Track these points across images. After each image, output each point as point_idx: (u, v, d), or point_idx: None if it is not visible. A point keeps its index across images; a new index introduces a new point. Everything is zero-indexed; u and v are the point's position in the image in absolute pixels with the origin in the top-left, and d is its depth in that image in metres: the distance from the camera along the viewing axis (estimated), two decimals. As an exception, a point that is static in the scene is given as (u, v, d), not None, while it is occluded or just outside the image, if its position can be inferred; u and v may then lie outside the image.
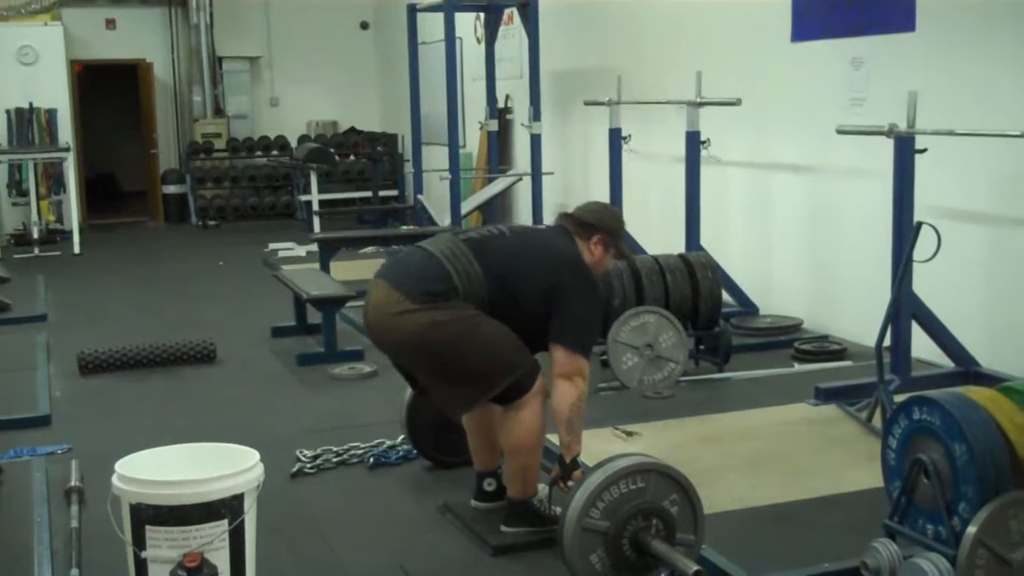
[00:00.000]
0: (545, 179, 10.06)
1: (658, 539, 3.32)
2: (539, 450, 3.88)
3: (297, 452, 4.91)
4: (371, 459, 4.82)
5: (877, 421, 4.99)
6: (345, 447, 4.96)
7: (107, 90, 16.33)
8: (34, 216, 12.24)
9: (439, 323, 3.66)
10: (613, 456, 3.44)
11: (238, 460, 3.23)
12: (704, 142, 7.24)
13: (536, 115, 9.99)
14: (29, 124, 12.72)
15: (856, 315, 6.72)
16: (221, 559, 3.12)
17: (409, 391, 4.47)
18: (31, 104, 12.71)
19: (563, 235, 3.97)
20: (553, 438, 4.52)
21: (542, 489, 3.98)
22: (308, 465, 4.80)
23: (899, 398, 4.21)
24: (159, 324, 7.93)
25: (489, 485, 4.12)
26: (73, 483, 4.40)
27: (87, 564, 3.74)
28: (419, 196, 11.60)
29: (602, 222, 4.01)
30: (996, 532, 3.07)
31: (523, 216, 11.04)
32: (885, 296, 5.33)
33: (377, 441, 4.99)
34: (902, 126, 5.22)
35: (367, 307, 3.90)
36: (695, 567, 3.16)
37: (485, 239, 3.90)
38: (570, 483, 3.69)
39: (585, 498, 3.31)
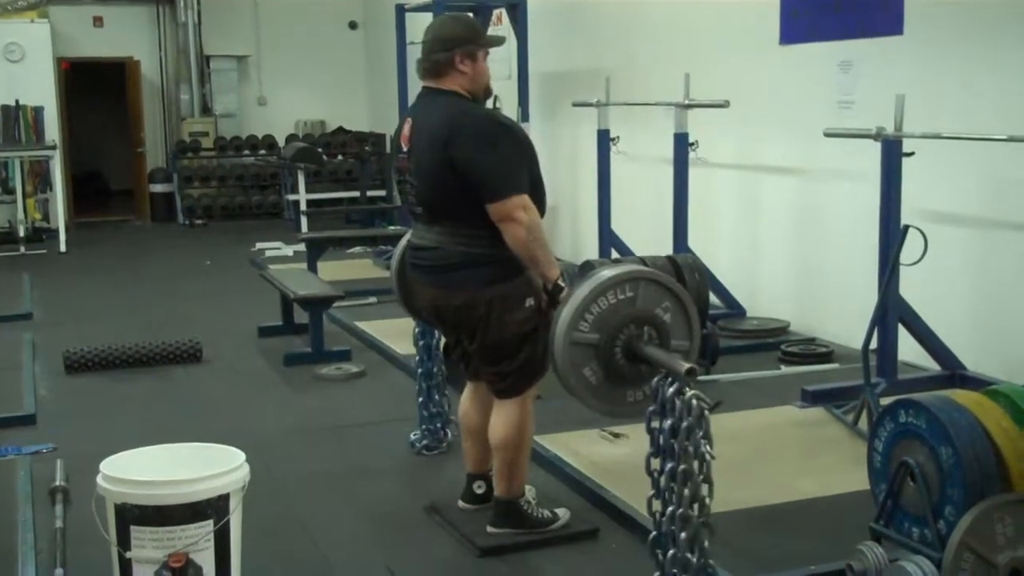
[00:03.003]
0: (533, 180, 10.05)
1: (651, 344, 3.27)
2: (525, 449, 3.88)
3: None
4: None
5: (863, 424, 5.00)
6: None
7: (94, 88, 16.26)
8: (20, 214, 12.19)
9: (481, 302, 3.67)
10: (600, 268, 3.35)
11: (224, 460, 3.23)
12: (692, 144, 7.24)
13: (524, 116, 9.99)
14: (15, 122, 12.67)
15: (843, 318, 6.73)
16: (206, 559, 3.11)
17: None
18: (17, 102, 12.66)
19: (433, 98, 3.77)
20: (545, 440, 4.53)
21: (530, 491, 3.98)
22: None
23: (885, 401, 4.22)
24: (145, 323, 7.90)
25: (479, 488, 4.12)
26: (58, 483, 4.38)
27: (72, 564, 3.73)
28: (407, 196, 11.56)
29: (451, 39, 3.77)
30: (982, 535, 3.07)
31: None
32: (872, 299, 5.34)
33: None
34: (890, 129, 5.23)
35: (414, 295, 3.97)
36: (687, 365, 3.06)
37: (418, 197, 3.77)
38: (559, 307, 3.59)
39: (573, 311, 3.23)
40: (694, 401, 3.02)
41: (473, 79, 3.77)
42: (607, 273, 3.31)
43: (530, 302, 3.69)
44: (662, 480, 3.10)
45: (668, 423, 3.06)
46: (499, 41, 4.02)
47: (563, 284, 3.63)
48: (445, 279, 3.73)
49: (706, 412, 3.04)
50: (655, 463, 3.14)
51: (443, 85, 3.77)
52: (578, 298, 3.27)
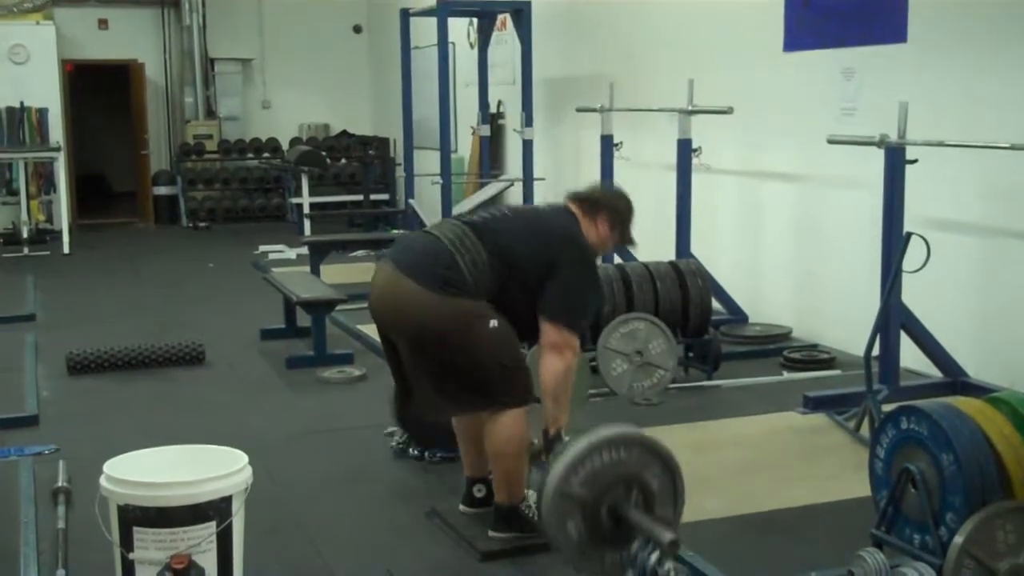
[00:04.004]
0: (536, 185, 10.07)
1: (636, 509, 3.29)
2: (523, 455, 3.87)
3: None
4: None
5: (865, 430, 5.00)
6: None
7: (98, 90, 16.28)
8: (24, 216, 12.21)
9: (449, 314, 3.64)
10: (598, 426, 3.39)
11: (226, 462, 3.23)
12: (695, 150, 7.26)
13: (528, 121, 10.00)
14: (20, 123, 12.70)
15: (845, 324, 6.73)
16: (208, 561, 3.12)
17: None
18: (22, 103, 12.69)
19: (565, 214, 3.95)
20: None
21: (531, 495, 3.98)
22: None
23: (887, 408, 4.22)
24: (148, 325, 7.91)
25: (479, 491, 4.12)
26: (60, 484, 4.38)
27: (74, 565, 3.73)
28: (410, 200, 11.60)
29: (611, 202, 4.02)
30: (983, 542, 3.08)
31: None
32: (874, 306, 5.35)
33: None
34: (893, 137, 5.24)
35: (373, 289, 3.88)
36: (670, 535, 3.08)
37: (487, 221, 3.88)
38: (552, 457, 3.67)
39: (567, 463, 3.26)
40: (672, 573, 3.06)
41: (597, 241, 3.97)
42: (604, 432, 3.34)
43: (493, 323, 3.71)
44: None
45: None
46: (634, 243, 4.28)
47: (564, 437, 3.72)
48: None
49: None
50: None
51: (581, 212, 3.95)
52: (575, 451, 3.30)
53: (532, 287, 3.74)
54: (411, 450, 4.89)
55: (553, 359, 3.72)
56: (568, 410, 3.80)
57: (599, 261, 4.70)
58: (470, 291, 3.67)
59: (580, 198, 4.00)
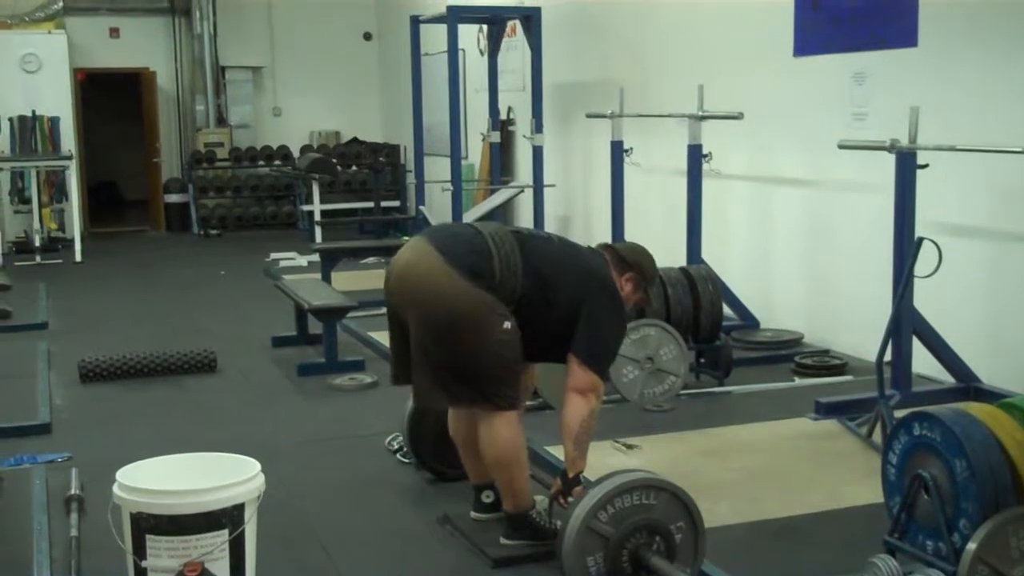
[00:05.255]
0: (547, 191, 10.08)
1: (660, 556, 3.32)
2: (522, 461, 3.85)
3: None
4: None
5: (877, 436, 4.99)
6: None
7: (110, 99, 16.36)
8: (36, 224, 12.24)
9: (468, 302, 3.64)
10: (631, 468, 3.44)
11: (239, 470, 3.24)
12: (706, 155, 7.25)
13: (538, 127, 10.00)
14: (32, 132, 12.74)
15: (857, 330, 6.72)
16: (221, 568, 3.13)
17: (411, 402, 4.47)
18: (34, 112, 12.73)
19: (602, 259, 4.01)
20: (556, 451, 4.54)
21: (540, 501, 3.98)
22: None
23: (899, 413, 4.21)
24: (160, 333, 7.93)
25: (487, 497, 4.12)
26: (73, 491, 4.40)
27: (87, 573, 3.74)
28: (421, 207, 11.61)
29: (639, 263, 4.07)
30: (996, 548, 3.07)
31: (524, 228, 11.03)
32: (886, 311, 5.34)
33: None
34: (904, 141, 5.23)
35: (397, 262, 3.86)
36: None
37: (532, 237, 3.93)
38: (570, 499, 3.69)
39: (597, 499, 3.31)
40: None
41: (623, 296, 4.01)
42: (638, 475, 3.42)
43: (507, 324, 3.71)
44: None
45: None
46: (652, 305, 4.39)
47: (582, 481, 3.76)
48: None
49: None
50: None
51: (611, 265, 4.01)
52: (606, 487, 3.35)
53: (556, 314, 3.75)
54: (399, 456, 4.91)
55: (579, 402, 3.73)
56: (586, 455, 3.81)
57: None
58: (495, 288, 3.68)
59: (613, 253, 4.06)
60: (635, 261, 4.07)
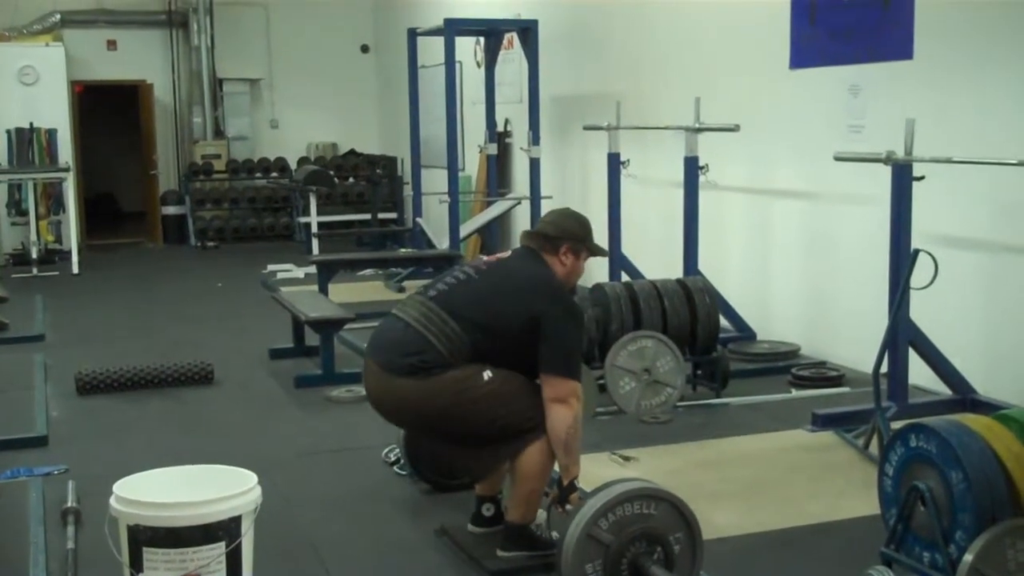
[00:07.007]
0: (544, 203, 10.08)
1: (657, 565, 3.32)
2: (548, 476, 3.89)
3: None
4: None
5: (874, 448, 4.99)
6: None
7: (107, 111, 16.38)
8: (33, 236, 12.24)
9: (441, 391, 3.70)
10: (632, 478, 3.45)
11: (236, 482, 3.24)
12: (703, 167, 7.27)
13: (535, 139, 10.02)
14: (29, 144, 12.73)
15: (853, 341, 6.73)
16: (218, 581, 3.12)
17: None
18: (31, 124, 12.73)
19: (531, 258, 3.94)
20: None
21: (540, 515, 3.98)
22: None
23: (896, 425, 4.22)
24: (157, 345, 7.93)
25: (488, 510, 4.12)
26: (70, 504, 4.39)
27: (83, 586, 3.74)
28: (418, 219, 11.62)
29: (566, 230, 3.97)
30: (993, 560, 3.07)
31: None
32: (882, 323, 5.35)
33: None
34: (900, 153, 5.24)
35: (367, 390, 4.01)
36: None
37: (453, 289, 3.88)
38: (568, 506, 3.70)
39: (599, 506, 3.32)
40: None
41: (568, 273, 3.97)
42: (639, 484, 3.43)
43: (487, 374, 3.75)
44: None
45: None
46: (604, 253, 4.22)
47: (578, 486, 3.76)
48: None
49: None
50: None
51: (543, 252, 3.95)
52: (609, 494, 3.36)
53: (516, 340, 3.76)
54: (396, 468, 4.92)
55: (561, 411, 3.72)
56: (579, 460, 3.81)
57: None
58: (450, 363, 3.72)
59: (538, 237, 3.98)
60: (560, 231, 3.96)
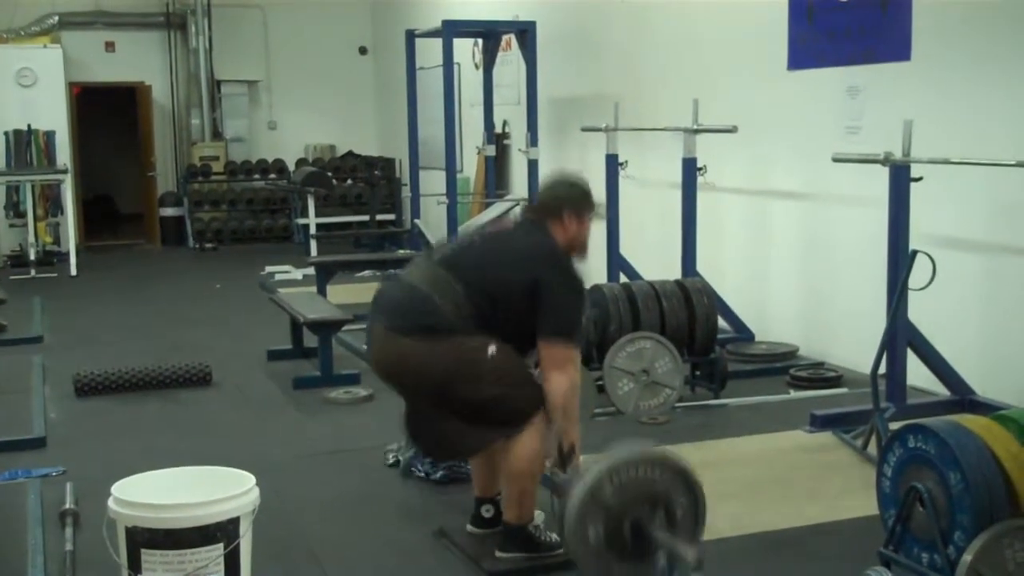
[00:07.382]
0: (542, 204, 10.07)
1: (660, 528, 3.31)
2: (538, 475, 3.87)
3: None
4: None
5: (872, 449, 4.99)
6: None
7: (105, 113, 16.37)
8: (31, 237, 12.24)
9: (447, 357, 3.69)
10: (638, 441, 3.45)
11: (234, 484, 3.24)
12: (701, 169, 7.27)
13: (533, 140, 10.02)
14: (27, 146, 12.75)
15: (852, 342, 6.73)
16: (216, 583, 3.12)
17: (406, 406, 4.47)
18: (29, 126, 12.74)
19: (533, 228, 3.95)
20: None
21: (539, 515, 3.98)
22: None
23: (894, 426, 4.22)
24: (155, 347, 7.92)
25: (487, 511, 4.12)
26: (68, 506, 4.39)
27: (81, 587, 3.74)
28: (416, 220, 11.63)
29: (564, 198, 3.98)
30: (991, 561, 3.07)
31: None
32: (881, 323, 5.35)
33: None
34: (898, 154, 5.24)
35: (372, 352, 3.97)
36: (697, 552, 3.13)
37: (457, 254, 3.92)
38: (569, 469, 3.69)
39: (604, 469, 3.30)
40: None
41: (574, 236, 3.97)
42: (645, 449, 3.42)
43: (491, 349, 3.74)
44: None
45: None
46: (601, 214, 4.25)
47: (578, 450, 3.75)
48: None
49: None
50: None
51: (545, 224, 3.94)
52: (612, 460, 3.34)
53: (517, 306, 3.75)
54: (413, 469, 4.89)
55: (558, 377, 3.72)
56: (578, 425, 3.81)
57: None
58: (457, 327, 3.71)
59: (538, 208, 4.02)
60: (560, 199, 3.98)
